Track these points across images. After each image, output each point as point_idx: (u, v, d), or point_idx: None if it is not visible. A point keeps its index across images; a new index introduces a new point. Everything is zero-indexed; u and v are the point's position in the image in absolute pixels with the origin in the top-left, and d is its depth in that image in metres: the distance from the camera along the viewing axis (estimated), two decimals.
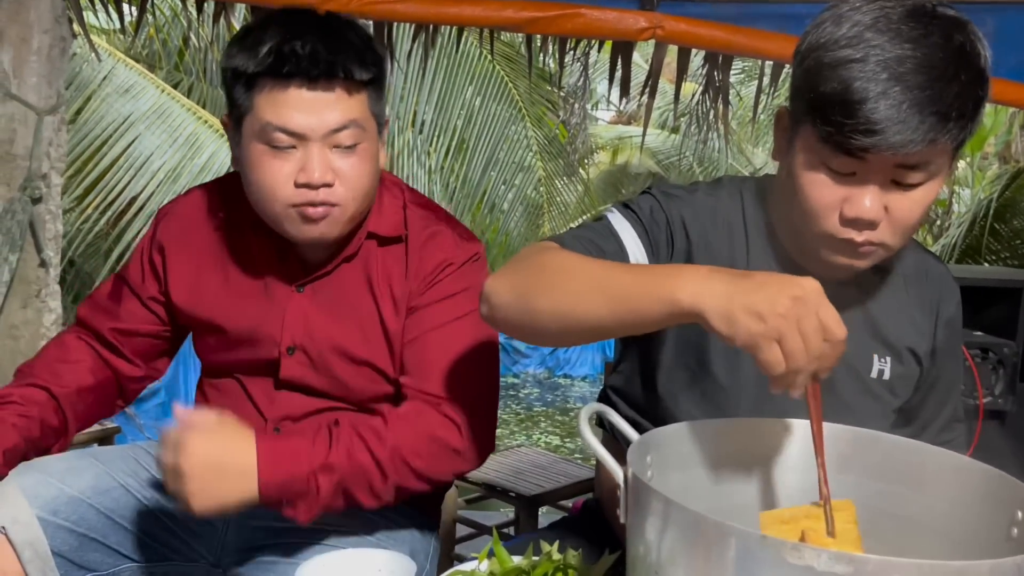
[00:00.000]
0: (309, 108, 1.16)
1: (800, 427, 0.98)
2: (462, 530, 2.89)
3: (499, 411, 1.31)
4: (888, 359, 1.15)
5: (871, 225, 0.99)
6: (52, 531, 1.18)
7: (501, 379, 1.35)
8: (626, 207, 1.13)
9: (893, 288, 1.16)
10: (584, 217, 7.77)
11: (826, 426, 0.98)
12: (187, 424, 1.08)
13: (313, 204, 1.18)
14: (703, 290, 0.84)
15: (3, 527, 1.16)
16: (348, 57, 1.18)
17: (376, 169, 1.26)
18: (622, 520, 0.83)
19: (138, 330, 1.34)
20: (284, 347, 1.28)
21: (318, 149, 1.17)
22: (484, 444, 1.24)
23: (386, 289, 1.28)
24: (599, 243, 1.07)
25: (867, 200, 0.98)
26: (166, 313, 1.35)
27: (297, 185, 1.17)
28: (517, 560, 1.01)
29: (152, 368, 1.38)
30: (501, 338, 1.30)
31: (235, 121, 1.22)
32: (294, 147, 1.18)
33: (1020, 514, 0.82)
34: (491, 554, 1.03)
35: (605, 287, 0.92)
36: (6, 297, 2.78)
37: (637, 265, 1.05)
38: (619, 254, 1.08)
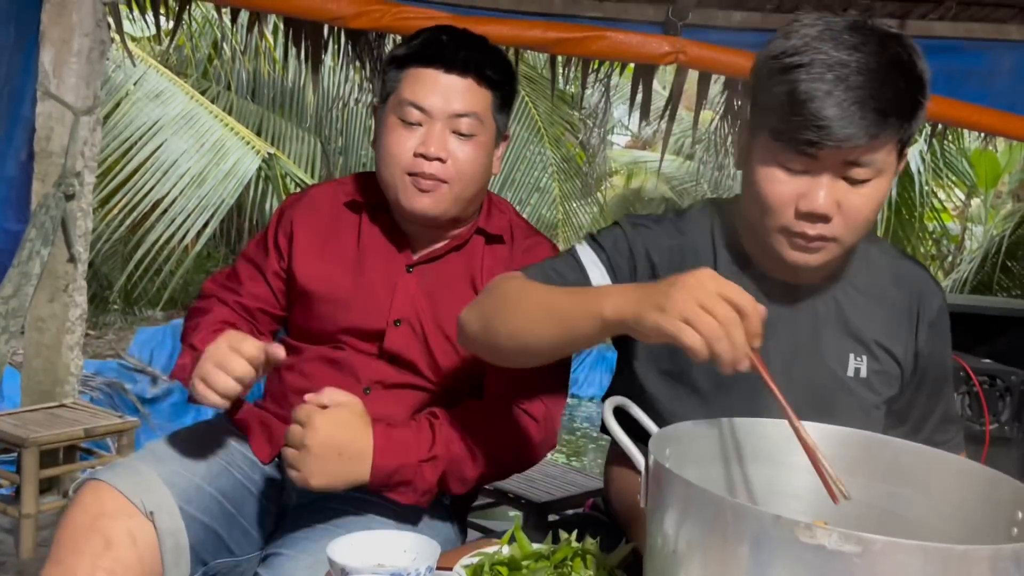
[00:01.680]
0: (440, 91, 1.33)
1: (814, 430, 1.02)
2: (471, 535, 2.91)
3: None
4: (864, 357, 1.21)
5: (824, 219, 1.07)
6: (187, 522, 1.22)
7: None
8: (593, 239, 1.22)
9: (865, 290, 1.22)
10: None
11: (838, 430, 1.02)
12: (318, 403, 1.19)
13: (424, 175, 1.32)
14: (621, 301, 0.94)
15: (152, 512, 1.18)
16: (483, 58, 1.36)
17: (488, 166, 1.40)
18: (642, 505, 0.87)
19: (256, 308, 1.47)
20: (391, 319, 1.39)
21: (440, 128, 1.33)
22: (554, 437, 1.40)
23: (487, 282, 1.38)
24: (562, 272, 1.17)
25: (820, 195, 1.06)
26: (285, 288, 1.47)
27: (415, 154, 1.33)
28: (537, 547, 1.05)
29: (265, 340, 1.50)
30: None
31: (382, 101, 1.40)
32: (421, 124, 1.33)
33: (1020, 514, 0.85)
34: (512, 541, 1.07)
35: (549, 309, 1.04)
36: (36, 290, 2.85)
37: (577, 288, 1.11)
38: (582, 282, 1.16)
